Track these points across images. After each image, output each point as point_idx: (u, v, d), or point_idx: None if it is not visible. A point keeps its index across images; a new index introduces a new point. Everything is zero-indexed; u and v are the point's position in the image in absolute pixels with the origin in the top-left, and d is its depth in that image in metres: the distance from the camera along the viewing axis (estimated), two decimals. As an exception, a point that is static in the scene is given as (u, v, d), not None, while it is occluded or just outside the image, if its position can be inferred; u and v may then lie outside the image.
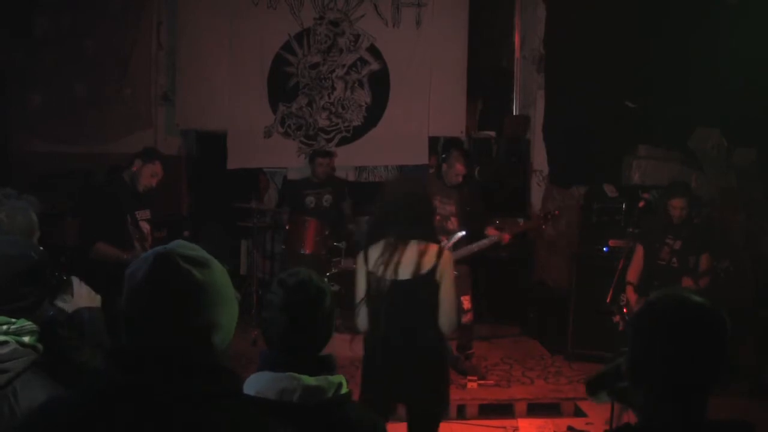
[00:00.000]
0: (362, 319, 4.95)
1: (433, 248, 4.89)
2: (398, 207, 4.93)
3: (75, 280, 3.75)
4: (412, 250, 4.83)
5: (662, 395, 2.30)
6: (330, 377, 2.77)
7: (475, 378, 7.90)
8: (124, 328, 2.05)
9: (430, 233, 5.03)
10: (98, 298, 3.81)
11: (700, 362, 2.25)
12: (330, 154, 9.48)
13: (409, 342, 4.84)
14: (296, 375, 2.71)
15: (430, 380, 5.00)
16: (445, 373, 5.28)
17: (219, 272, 2.06)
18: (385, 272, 4.82)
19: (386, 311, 4.85)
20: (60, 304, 3.67)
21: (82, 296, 3.73)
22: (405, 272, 4.81)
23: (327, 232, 8.83)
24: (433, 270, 4.82)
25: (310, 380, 2.71)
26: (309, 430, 2.71)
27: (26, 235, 3.97)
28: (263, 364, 2.81)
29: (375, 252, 4.91)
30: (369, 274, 4.93)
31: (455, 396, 7.46)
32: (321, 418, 2.71)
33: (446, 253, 4.99)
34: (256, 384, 2.74)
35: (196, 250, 2.08)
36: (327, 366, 2.84)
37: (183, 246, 2.09)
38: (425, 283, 4.81)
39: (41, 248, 3.46)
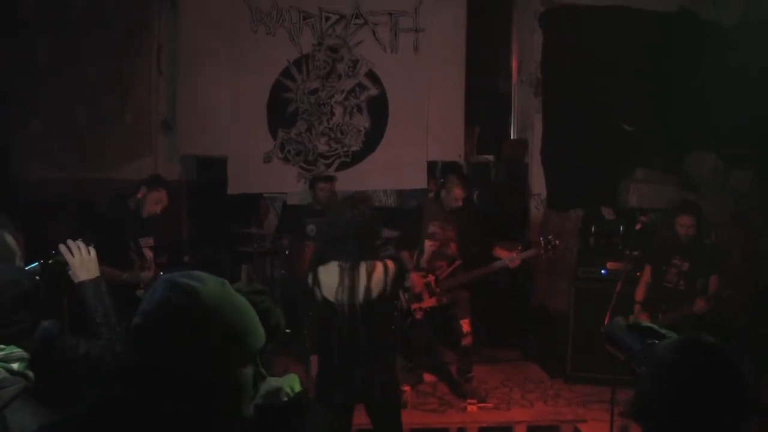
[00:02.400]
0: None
1: (380, 266, 5.07)
2: (347, 230, 5.04)
3: (63, 249, 3.75)
4: (363, 272, 4.99)
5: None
6: (286, 376, 2.82)
7: (475, 401, 7.93)
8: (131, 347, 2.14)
9: (375, 253, 5.18)
10: (93, 262, 3.78)
11: (708, 411, 2.27)
12: (331, 179, 9.51)
13: (367, 359, 5.04)
14: (271, 378, 2.75)
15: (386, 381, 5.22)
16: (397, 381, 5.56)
17: (211, 299, 2.10)
18: (341, 297, 4.98)
19: (342, 334, 5.01)
20: (71, 275, 3.70)
21: (76, 266, 3.73)
22: (361, 295, 4.98)
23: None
24: (384, 287, 5.02)
25: (277, 381, 2.76)
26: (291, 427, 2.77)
27: (5, 261, 3.86)
28: None
29: (326, 276, 5.04)
30: (322, 300, 5.04)
31: (456, 419, 7.52)
32: (295, 414, 2.77)
33: (390, 266, 5.14)
34: None
35: (191, 279, 2.13)
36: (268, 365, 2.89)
37: (181, 275, 2.15)
38: (380, 303, 5.01)
39: (35, 270, 3.48)
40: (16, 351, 2.95)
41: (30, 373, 2.94)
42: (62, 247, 3.74)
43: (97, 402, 2.06)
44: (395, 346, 5.35)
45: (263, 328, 2.82)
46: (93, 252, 3.79)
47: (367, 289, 4.97)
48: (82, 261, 3.73)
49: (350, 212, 5.10)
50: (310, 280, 5.13)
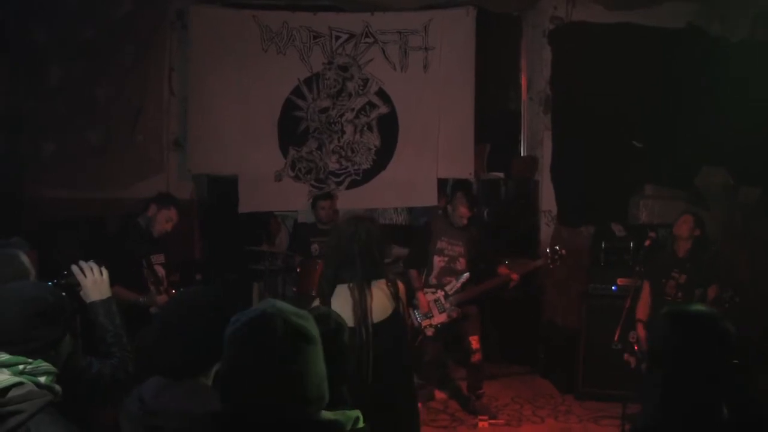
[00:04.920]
0: None
1: (390, 285, 4.90)
2: (358, 249, 4.86)
3: (75, 269, 3.81)
4: (375, 291, 4.82)
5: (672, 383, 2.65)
6: (347, 411, 2.81)
7: (486, 417, 7.94)
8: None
9: (383, 270, 4.99)
10: (105, 283, 3.85)
11: (700, 358, 2.65)
12: (331, 197, 9.55)
13: (382, 380, 4.77)
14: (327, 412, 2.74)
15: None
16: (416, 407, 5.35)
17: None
18: (355, 320, 4.72)
19: (361, 358, 4.75)
20: (83, 296, 3.75)
21: (88, 287, 3.78)
22: (376, 315, 4.77)
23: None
24: (397, 306, 4.86)
25: (329, 415, 2.75)
26: None
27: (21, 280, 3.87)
28: None
29: (337, 302, 4.79)
30: None
31: (466, 436, 7.53)
32: None
33: (401, 285, 5.00)
34: None
35: (300, 318, 2.32)
36: (342, 400, 2.88)
37: (293, 314, 2.35)
38: (395, 321, 4.84)
39: (62, 292, 3.53)
40: (44, 365, 2.98)
41: (57, 387, 2.97)
42: (74, 268, 3.79)
43: None
44: (410, 368, 5.15)
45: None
46: (105, 273, 3.84)
47: (378, 309, 4.78)
48: (95, 282, 3.79)
49: (353, 231, 4.90)
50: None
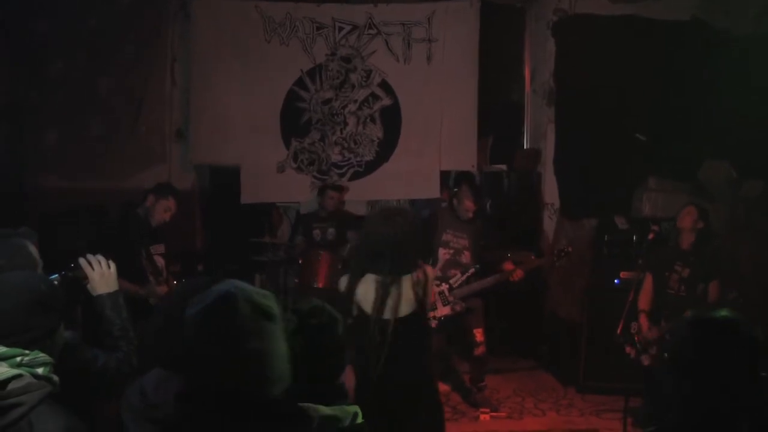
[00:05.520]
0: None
1: (420, 277, 4.93)
2: (388, 244, 4.88)
3: (83, 262, 3.80)
4: (405, 285, 4.86)
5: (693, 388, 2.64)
6: (345, 407, 2.77)
7: (488, 410, 7.93)
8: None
9: (413, 266, 5.02)
10: (112, 276, 3.85)
11: (721, 366, 2.63)
12: (341, 189, 9.54)
13: (401, 377, 4.85)
14: (312, 405, 2.68)
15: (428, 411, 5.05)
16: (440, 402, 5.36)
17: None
18: (382, 312, 4.81)
19: (383, 349, 4.82)
20: (89, 289, 3.75)
21: (95, 280, 3.78)
22: (403, 309, 4.83)
23: (340, 266, 8.88)
24: (423, 298, 4.90)
25: (326, 410, 2.71)
26: None
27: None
28: None
29: (364, 290, 4.90)
30: (360, 313, 4.94)
31: (468, 428, 7.52)
32: None
33: (430, 272, 5.06)
34: None
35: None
36: (341, 394, 2.85)
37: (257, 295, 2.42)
38: (420, 315, 4.90)
39: (54, 281, 3.51)
40: (41, 356, 2.95)
41: (55, 378, 2.95)
42: (82, 261, 3.79)
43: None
44: (430, 365, 5.20)
45: None
46: (113, 266, 3.84)
47: (403, 305, 4.86)
48: (102, 275, 3.79)
49: (385, 226, 4.94)
50: (346, 291, 4.99)
